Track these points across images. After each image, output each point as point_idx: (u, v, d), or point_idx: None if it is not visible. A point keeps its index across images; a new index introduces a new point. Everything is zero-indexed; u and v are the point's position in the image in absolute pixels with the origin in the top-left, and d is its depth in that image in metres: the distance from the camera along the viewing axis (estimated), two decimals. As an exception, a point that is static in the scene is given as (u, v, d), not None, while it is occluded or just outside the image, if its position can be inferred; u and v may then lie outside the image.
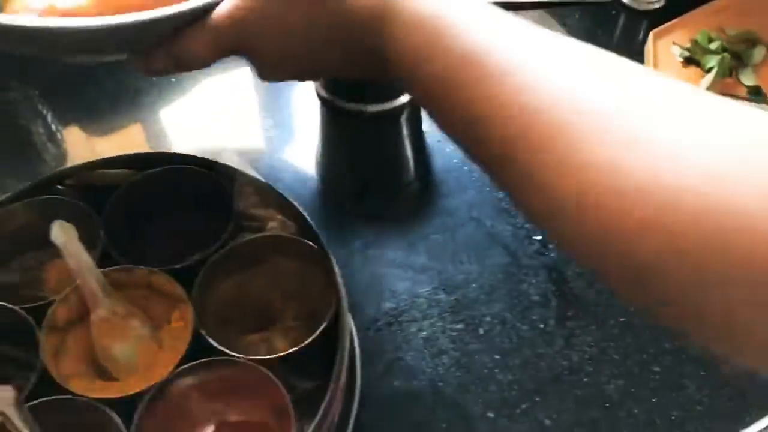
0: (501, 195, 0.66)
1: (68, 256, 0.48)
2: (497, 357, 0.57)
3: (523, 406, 0.55)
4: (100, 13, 0.35)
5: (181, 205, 0.56)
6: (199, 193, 0.55)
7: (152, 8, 0.34)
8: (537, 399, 0.55)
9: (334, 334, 0.47)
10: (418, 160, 0.68)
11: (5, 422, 0.43)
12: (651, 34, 0.77)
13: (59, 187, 0.55)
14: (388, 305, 0.60)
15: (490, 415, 0.54)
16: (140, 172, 0.55)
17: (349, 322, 0.48)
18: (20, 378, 0.47)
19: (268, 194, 0.54)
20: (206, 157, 0.55)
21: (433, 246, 0.64)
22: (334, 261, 0.50)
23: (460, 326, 0.59)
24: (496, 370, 0.56)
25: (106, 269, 0.49)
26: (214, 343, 0.46)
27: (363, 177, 0.68)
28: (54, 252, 0.55)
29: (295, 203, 0.52)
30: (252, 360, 0.46)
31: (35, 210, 0.54)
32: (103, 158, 0.55)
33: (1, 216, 0.53)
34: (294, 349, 0.46)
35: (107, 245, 0.51)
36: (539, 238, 0.63)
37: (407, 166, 0.67)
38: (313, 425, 0.43)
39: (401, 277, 0.62)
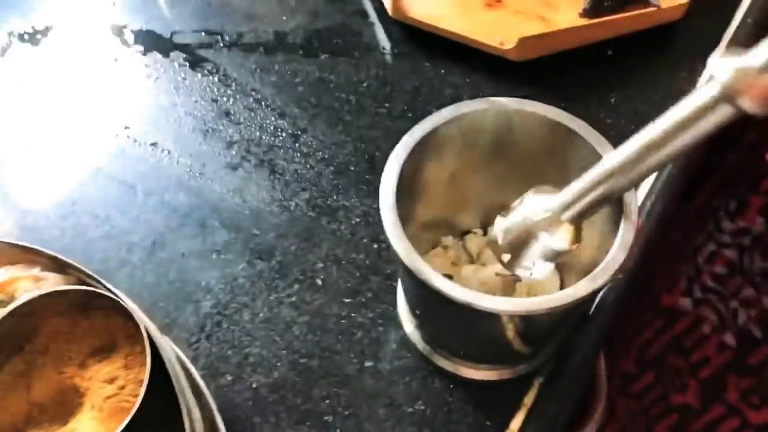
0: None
1: None
2: (347, 300, 0.52)
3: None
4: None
5: None
6: None
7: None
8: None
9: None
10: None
11: None
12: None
13: None
14: (206, 304, 0.52)
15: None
16: None
17: (175, 369, 0.38)
18: None
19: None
20: None
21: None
22: (125, 299, 0.39)
23: (295, 287, 0.52)
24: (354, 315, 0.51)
25: None
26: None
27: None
28: None
29: (44, 249, 0.41)
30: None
31: None
32: None
33: None
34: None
35: None
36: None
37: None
38: None
39: (202, 266, 0.53)
